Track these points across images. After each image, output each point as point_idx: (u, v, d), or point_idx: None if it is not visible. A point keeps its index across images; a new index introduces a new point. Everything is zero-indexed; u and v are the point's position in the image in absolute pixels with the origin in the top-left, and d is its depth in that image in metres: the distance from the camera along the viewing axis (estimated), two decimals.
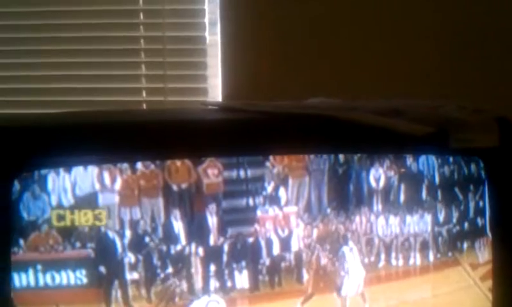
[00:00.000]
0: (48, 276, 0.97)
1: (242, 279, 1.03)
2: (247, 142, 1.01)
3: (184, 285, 1.01)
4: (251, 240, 1.03)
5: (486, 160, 1.10)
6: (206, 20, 2.01)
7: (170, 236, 1.00)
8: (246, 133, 1.02)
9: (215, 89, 2.01)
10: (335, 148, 1.05)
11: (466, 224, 1.12)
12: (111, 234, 0.99)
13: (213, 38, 2.00)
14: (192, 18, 2.01)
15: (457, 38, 1.85)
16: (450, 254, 1.12)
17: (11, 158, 0.94)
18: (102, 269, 0.98)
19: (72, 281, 0.97)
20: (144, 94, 2.06)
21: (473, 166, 1.11)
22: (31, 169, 0.96)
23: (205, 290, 1.02)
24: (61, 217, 0.97)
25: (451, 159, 1.10)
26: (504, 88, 1.78)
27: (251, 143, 1.01)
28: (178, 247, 1.01)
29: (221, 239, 1.02)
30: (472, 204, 1.12)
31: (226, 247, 1.02)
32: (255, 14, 1.90)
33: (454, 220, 1.11)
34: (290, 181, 1.04)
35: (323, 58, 1.90)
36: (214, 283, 1.03)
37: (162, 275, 1.01)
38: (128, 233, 0.99)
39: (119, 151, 0.99)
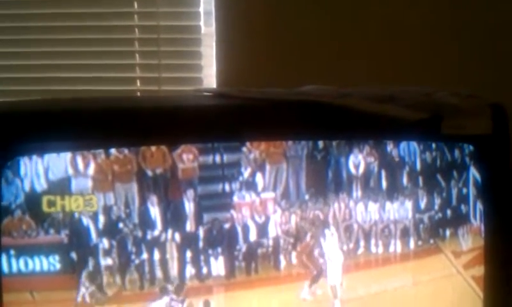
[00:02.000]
0: (21, 262, 0.97)
1: (218, 265, 1.03)
2: (222, 128, 1.01)
3: (159, 272, 1.01)
4: (227, 226, 1.03)
5: (479, 147, 1.09)
6: (201, 10, 2.01)
7: (144, 222, 1.00)
8: (222, 119, 1.02)
9: (209, 79, 2.01)
10: (315, 134, 1.04)
11: (448, 211, 1.11)
12: (84, 220, 0.98)
13: (208, 27, 1.99)
14: (187, 7, 2.01)
15: (454, 27, 1.84)
16: (431, 241, 1.11)
17: None
18: (76, 255, 0.98)
19: (46, 267, 0.97)
20: (138, 83, 2.05)
21: (456, 152, 1.11)
22: (4, 155, 0.96)
23: (181, 277, 1.01)
24: (51, 203, 0.96)
25: (433, 145, 1.09)
26: (498, 75, 1.77)
27: (226, 129, 1.01)
28: (153, 233, 1.01)
29: (197, 225, 1.02)
30: (454, 191, 1.11)
31: (201, 233, 1.02)
32: (250, 3, 1.90)
33: (436, 207, 1.11)
34: (268, 167, 1.04)
35: (318, 48, 1.89)
36: (189, 270, 1.02)
37: (136, 262, 1.01)
38: (101, 219, 0.99)
39: (93, 137, 0.98)
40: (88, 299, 0.99)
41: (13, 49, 2.04)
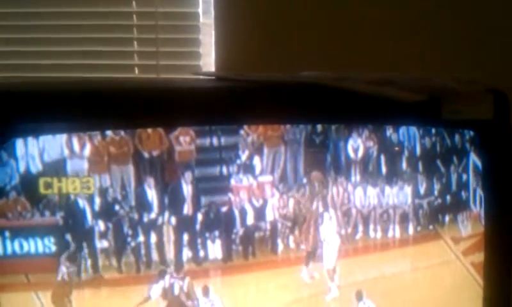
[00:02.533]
0: (16, 244, 0.97)
1: (215, 249, 1.03)
2: (220, 110, 1.00)
3: (155, 254, 1.01)
4: (224, 209, 1.03)
5: (480, 133, 1.09)
6: None
7: (141, 204, 1.00)
8: (220, 102, 1.01)
9: (208, 67, 2.00)
10: (313, 118, 1.04)
11: (448, 197, 1.11)
12: (80, 202, 0.98)
13: (206, 14, 1.99)
14: None
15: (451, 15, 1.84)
16: (430, 227, 1.11)
17: None
18: (71, 237, 0.98)
19: (41, 249, 0.97)
20: (136, 71, 2.05)
21: (457, 138, 1.10)
22: None
23: (177, 260, 1.01)
24: (48, 185, 0.96)
25: (433, 130, 1.09)
26: (499, 61, 1.77)
27: (224, 112, 1.01)
28: (150, 216, 1.00)
29: (194, 208, 1.01)
30: (454, 177, 1.11)
31: (198, 216, 1.02)
32: None
33: (436, 192, 1.11)
34: (266, 150, 1.04)
35: (317, 35, 1.89)
36: (186, 253, 1.02)
37: (132, 244, 1.00)
38: (97, 201, 0.98)
39: (88, 118, 0.98)
40: (83, 281, 0.98)
41: (10, 35, 2.03)
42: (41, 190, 0.98)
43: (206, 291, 1.03)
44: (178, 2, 2.00)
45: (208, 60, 1.97)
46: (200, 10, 1.98)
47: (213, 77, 1.43)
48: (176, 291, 1.01)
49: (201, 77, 1.91)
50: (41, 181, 0.97)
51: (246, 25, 1.87)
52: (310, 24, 1.87)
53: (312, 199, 1.06)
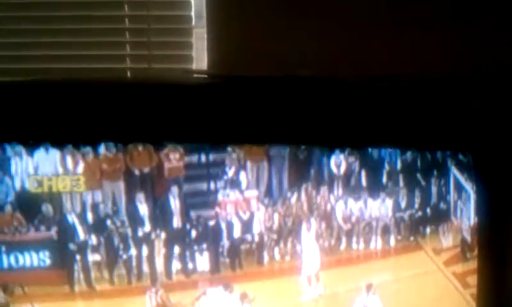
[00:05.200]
0: (12, 257, 1.09)
1: (203, 261, 1.15)
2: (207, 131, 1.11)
3: (146, 267, 1.13)
4: (212, 223, 1.15)
5: (475, 154, 1.19)
6: None
7: (132, 219, 1.11)
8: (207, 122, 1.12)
9: (200, 57, 2.09)
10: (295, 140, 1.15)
11: (428, 210, 1.22)
12: (72, 217, 1.10)
13: (199, 18, 2.07)
14: None
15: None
16: (412, 238, 1.22)
17: None
18: (65, 251, 1.10)
19: (36, 263, 1.09)
20: (128, 61, 2.14)
21: (438, 153, 1.21)
22: None
23: (167, 272, 1.13)
24: (38, 183, 1.07)
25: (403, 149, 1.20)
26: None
27: (211, 132, 1.12)
28: (140, 230, 1.12)
29: (183, 222, 1.13)
30: (434, 190, 1.22)
31: (187, 230, 1.14)
32: None
33: (416, 205, 1.22)
34: (249, 165, 1.15)
35: (310, 39, 1.96)
36: (175, 265, 1.14)
37: (124, 257, 1.12)
38: (90, 216, 1.10)
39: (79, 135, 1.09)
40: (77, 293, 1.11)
41: (1, 27, 2.12)
42: (32, 189, 1.09)
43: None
44: (170, 5, 2.09)
45: (200, 63, 2.07)
46: (193, 13, 2.07)
47: (205, 76, 1.52)
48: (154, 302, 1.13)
49: (192, 74, 2.00)
50: (32, 179, 1.09)
51: (239, 28, 1.96)
52: (303, 27, 1.95)
53: (296, 212, 1.17)
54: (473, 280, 1.23)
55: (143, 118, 1.12)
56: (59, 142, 1.09)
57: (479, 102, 1.25)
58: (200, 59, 2.10)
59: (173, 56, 2.09)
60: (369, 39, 1.92)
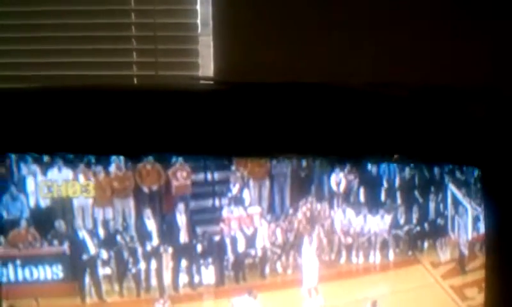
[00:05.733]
0: (26, 271, 1.16)
1: (208, 274, 1.22)
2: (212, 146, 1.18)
3: (154, 280, 1.20)
4: (217, 238, 1.22)
5: (483, 169, 1.25)
6: None
7: (141, 235, 1.19)
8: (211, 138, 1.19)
9: (207, 64, 2.16)
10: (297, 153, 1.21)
11: (426, 225, 1.29)
12: (83, 232, 1.17)
13: (205, 25, 2.13)
14: None
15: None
16: (410, 253, 1.29)
17: None
18: (77, 265, 1.17)
19: (49, 276, 1.16)
20: (135, 68, 2.21)
21: (435, 169, 1.27)
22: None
23: (174, 285, 1.20)
24: (49, 188, 1.14)
25: (412, 164, 1.26)
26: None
27: (215, 147, 1.19)
28: (149, 245, 1.19)
29: (189, 237, 1.20)
30: (432, 206, 1.28)
31: (194, 245, 1.21)
32: None
33: (414, 221, 1.28)
34: (252, 183, 1.22)
35: (318, 35, 2.02)
36: (182, 278, 1.21)
37: (133, 271, 1.20)
38: (101, 232, 1.17)
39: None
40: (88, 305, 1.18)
41: (11, 34, 2.19)
42: (42, 194, 1.16)
43: None
44: (176, 13, 2.16)
45: (206, 71, 2.13)
46: (199, 21, 2.14)
47: (211, 82, 1.58)
48: None
49: (199, 81, 2.07)
50: (42, 184, 1.16)
51: (244, 36, 2.02)
52: (310, 34, 2.01)
53: (298, 227, 1.24)
54: (470, 292, 1.30)
55: (149, 124, 1.18)
56: (70, 159, 1.15)
57: (486, 115, 1.30)
58: (206, 66, 2.16)
59: (179, 63, 2.16)
60: (374, 43, 1.98)
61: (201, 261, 1.22)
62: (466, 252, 1.28)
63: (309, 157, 1.22)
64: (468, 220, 1.28)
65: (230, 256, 1.22)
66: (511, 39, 1.95)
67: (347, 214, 1.25)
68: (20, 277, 1.16)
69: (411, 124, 1.23)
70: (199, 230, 1.21)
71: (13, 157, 1.16)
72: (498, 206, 1.23)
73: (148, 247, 1.20)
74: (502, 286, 1.25)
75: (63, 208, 1.16)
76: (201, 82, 1.99)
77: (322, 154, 1.22)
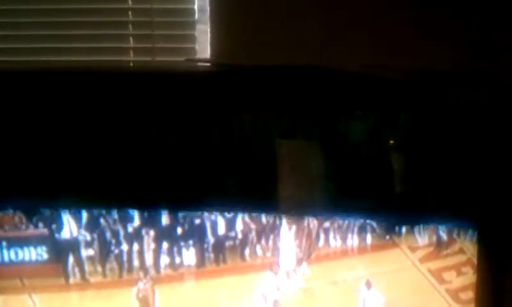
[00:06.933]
0: (12, 252, 1.24)
1: (189, 256, 1.29)
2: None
3: (136, 261, 1.27)
4: (197, 221, 1.28)
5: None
6: None
7: (123, 218, 1.26)
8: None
9: (203, 50, 2.21)
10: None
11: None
12: (68, 215, 1.24)
13: (202, 11, 2.17)
14: None
15: None
16: (387, 237, 1.35)
17: None
18: (61, 246, 1.24)
19: (34, 257, 1.24)
20: (131, 54, 2.26)
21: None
22: None
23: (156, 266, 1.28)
24: None
25: None
26: None
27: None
28: (131, 227, 1.26)
29: (171, 220, 1.27)
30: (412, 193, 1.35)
31: (175, 227, 1.28)
32: None
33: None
34: None
35: (313, 28, 2.07)
36: (164, 259, 1.28)
37: (116, 252, 1.27)
38: (84, 214, 1.25)
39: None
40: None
41: (5, 19, 2.25)
42: None
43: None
44: None
45: (203, 56, 2.18)
46: (196, 7, 2.18)
47: (208, 64, 1.61)
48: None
49: (196, 63, 2.12)
50: None
51: (241, 22, 2.06)
52: (307, 17, 2.04)
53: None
54: (448, 276, 1.36)
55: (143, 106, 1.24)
56: None
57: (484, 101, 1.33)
58: (202, 52, 2.21)
59: (176, 49, 2.20)
60: (371, 32, 2.02)
61: (182, 243, 1.28)
62: (444, 237, 1.34)
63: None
64: None
65: (211, 239, 1.29)
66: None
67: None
68: (6, 258, 1.23)
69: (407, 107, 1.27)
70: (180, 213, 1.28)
71: None
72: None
73: (130, 229, 1.26)
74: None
75: None
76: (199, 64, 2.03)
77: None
